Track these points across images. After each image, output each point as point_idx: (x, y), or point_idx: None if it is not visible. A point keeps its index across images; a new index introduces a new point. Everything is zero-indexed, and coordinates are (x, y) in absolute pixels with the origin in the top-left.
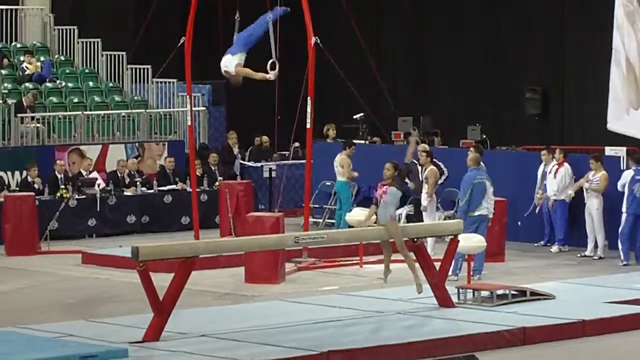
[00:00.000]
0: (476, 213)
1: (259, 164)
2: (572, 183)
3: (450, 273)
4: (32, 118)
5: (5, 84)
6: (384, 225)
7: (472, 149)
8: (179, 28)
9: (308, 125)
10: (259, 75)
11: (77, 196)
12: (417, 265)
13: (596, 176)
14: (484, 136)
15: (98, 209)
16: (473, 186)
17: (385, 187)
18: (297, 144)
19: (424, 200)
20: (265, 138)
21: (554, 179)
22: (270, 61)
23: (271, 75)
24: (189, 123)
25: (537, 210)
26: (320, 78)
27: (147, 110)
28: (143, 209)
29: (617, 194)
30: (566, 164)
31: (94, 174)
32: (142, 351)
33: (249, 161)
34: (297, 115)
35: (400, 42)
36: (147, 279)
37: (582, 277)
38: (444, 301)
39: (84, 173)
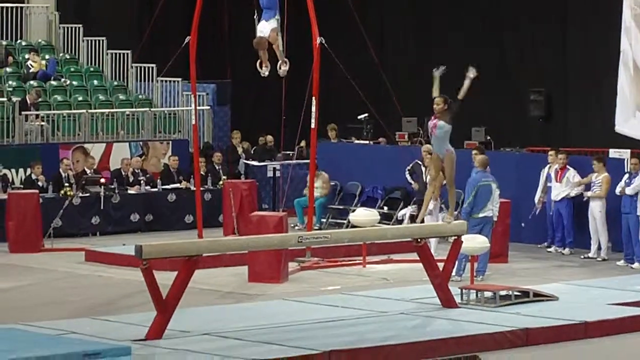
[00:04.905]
0: (480, 215)
1: (263, 164)
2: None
3: (453, 273)
4: (37, 116)
5: (10, 82)
6: (442, 157)
7: (475, 150)
8: (184, 27)
9: (312, 125)
10: (279, 52)
11: (81, 194)
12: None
13: (599, 178)
14: (488, 137)
15: (102, 207)
16: (478, 188)
17: (435, 120)
18: (302, 144)
19: (430, 203)
20: (269, 137)
21: (558, 182)
22: (279, 62)
23: (281, 72)
24: (194, 122)
25: (537, 212)
26: (325, 78)
27: (152, 109)
28: (147, 207)
29: (620, 195)
30: (571, 168)
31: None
32: (145, 349)
33: (253, 160)
34: (302, 115)
35: (404, 43)
36: (150, 277)
37: (585, 278)
38: (447, 302)
39: (88, 171)
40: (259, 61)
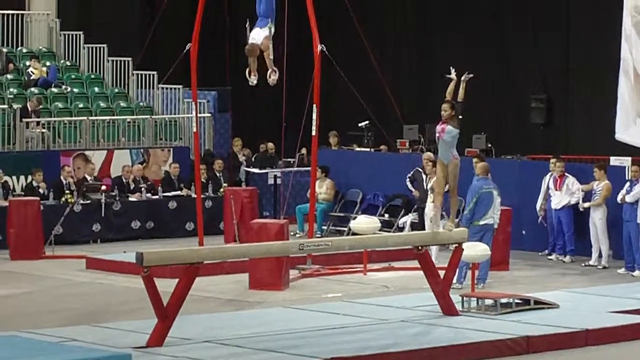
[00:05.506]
0: (481, 222)
1: (264, 171)
2: (579, 193)
3: (454, 281)
4: (38, 123)
5: (11, 89)
6: (446, 163)
7: (476, 158)
8: (185, 34)
9: (313, 133)
10: (269, 61)
11: (81, 201)
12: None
13: (600, 185)
14: (489, 145)
15: (103, 215)
16: (479, 196)
17: (443, 125)
18: (303, 151)
19: (431, 211)
20: (270, 145)
21: (557, 190)
22: (269, 71)
23: (271, 81)
24: (194, 129)
25: (539, 220)
26: (326, 86)
27: (153, 116)
28: (148, 214)
29: (621, 203)
30: (570, 175)
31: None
32: (146, 356)
33: (254, 168)
34: (303, 122)
35: (405, 51)
36: (151, 285)
37: (585, 286)
38: (448, 309)
39: (89, 178)
40: (247, 70)
